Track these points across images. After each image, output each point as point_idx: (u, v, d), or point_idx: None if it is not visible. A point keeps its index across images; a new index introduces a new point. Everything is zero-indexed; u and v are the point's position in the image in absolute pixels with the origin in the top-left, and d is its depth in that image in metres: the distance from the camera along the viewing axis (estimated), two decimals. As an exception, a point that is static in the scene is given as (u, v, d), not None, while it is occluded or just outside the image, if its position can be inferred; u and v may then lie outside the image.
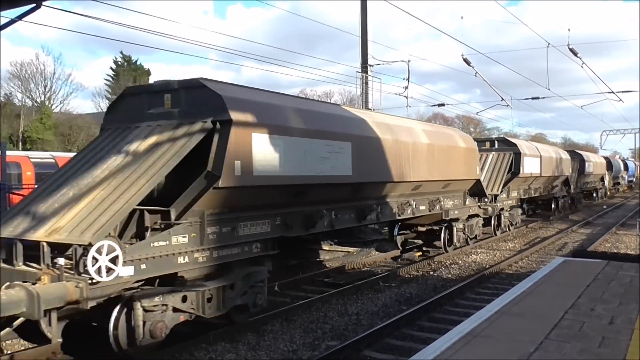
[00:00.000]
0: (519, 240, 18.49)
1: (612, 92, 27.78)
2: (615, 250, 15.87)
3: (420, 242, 15.39)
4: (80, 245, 5.91)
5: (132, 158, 7.00)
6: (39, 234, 6.12)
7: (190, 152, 7.06)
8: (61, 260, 5.81)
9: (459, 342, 4.76)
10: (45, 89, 49.91)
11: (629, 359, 4.30)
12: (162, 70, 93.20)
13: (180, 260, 6.91)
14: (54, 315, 5.82)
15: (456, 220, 14.66)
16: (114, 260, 5.94)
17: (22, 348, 7.16)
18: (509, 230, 19.75)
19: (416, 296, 10.58)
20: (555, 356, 4.37)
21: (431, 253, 14.86)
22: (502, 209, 18.65)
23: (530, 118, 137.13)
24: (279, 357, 7.23)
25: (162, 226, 6.90)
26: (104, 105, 57.81)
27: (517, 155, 19.51)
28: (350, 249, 16.03)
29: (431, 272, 12.97)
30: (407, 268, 13.04)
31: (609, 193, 44.93)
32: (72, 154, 28.74)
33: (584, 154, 34.58)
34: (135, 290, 6.60)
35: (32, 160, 24.10)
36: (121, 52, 54.74)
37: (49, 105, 49.17)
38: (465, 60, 21.91)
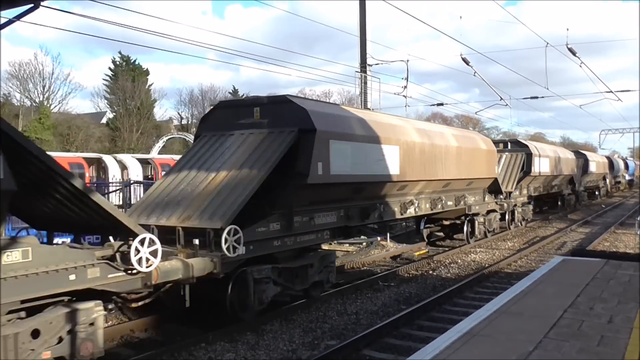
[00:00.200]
0: (518, 240, 18.51)
1: (611, 92, 27.82)
2: (614, 250, 15.88)
3: (442, 234, 17.36)
4: (212, 229, 7.31)
5: (238, 159, 8.62)
6: (173, 221, 7.70)
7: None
8: (196, 241, 7.16)
9: (458, 342, 4.76)
10: (43, 89, 49.85)
11: (628, 358, 4.31)
12: (160, 70, 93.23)
13: (275, 243, 8.53)
14: (187, 287, 7.09)
15: (477, 214, 16.47)
16: (237, 241, 7.38)
17: (106, 325, 7.53)
18: (521, 225, 21.38)
19: (415, 295, 10.59)
20: (554, 355, 4.37)
21: (455, 243, 16.73)
22: (515, 205, 20.35)
23: (529, 117, 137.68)
24: (278, 356, 7.23)
25: (261, 216, 8.34)
26: (102, 105, 57.87)
27: (529, 156, 21.29)
28: (350, 249, 16.04)
29: (430, 272, 12.98)
30: (407, 267, 13.05)
31: (610, 191, 45.79)
32: (78, 154, 29.40)
33: (588, 154, 36.03)
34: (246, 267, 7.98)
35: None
36: (120, 52, 54.71)
37: (48, 105, 49.02)
38: (464, 60, 21.92)
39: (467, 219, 16.07)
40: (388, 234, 16.91)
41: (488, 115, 66.82)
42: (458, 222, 16.28)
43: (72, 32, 43.46)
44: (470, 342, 4.75)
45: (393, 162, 10.93)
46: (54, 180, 5.83)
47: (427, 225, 16.64)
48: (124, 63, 55.07)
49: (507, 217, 19.68)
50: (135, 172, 27.05)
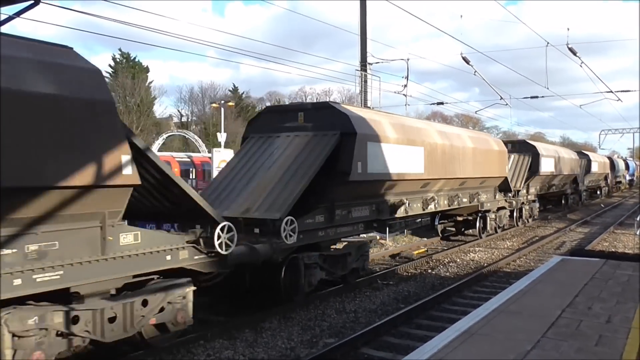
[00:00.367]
0: (517, 239, 18.52)
1: (611, 92, 27.70)
2: (613, 250, 15.89)
3: (454, 230, 18.39)
4: (272, 220, 8.37)
5: (287, 158, 9.70)
6: (234, 213, 8.58)
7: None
8: (256, 230, 8.36)
9: (456, 340, 4.76)
10: (43, 86, 49.69)
11: (626, 358, 4.31)
12: (159, 67, 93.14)
13: (320, 233, 9.63)
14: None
15: (489, 211, 17.61)
16: (293, 230, 8.48)
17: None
18: (528, 222, 22.29)
19: (414, 294, 10.59)
20: (552, 355, 4.38)
21: (467, 238, 17.80)
22: (523, 203, 21.39)
23: (528, 117, 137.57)
24: (277, 354, 7.23)
25: (308, 209, 9.27)
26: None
27: (536, 156, 22.20)
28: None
29: (429, 270, 12.98)
30: (405, 266, 13.06)
31: (611, 191, 46.48)
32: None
33: (590, 154, 36.91)
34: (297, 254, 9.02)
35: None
36: (120, 49, 54.74)
37: (48, 102, 48.91)
38: (465, 59, 21.87)
39: (480, 215, 17.26)
40: (387, 232, 16.92)
41: (488, 114, 67.17)
42: (470, 218, 17.44)
43: (72, 29, 43.21)
44: (468, 341, 4.75)
45: (418, 162, 12.09)
46: (147, 171, 6.53)
47: (441, 221, 17.87)
48: (124, 60, 55.13)
49: (515, 214, 20.69)
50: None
